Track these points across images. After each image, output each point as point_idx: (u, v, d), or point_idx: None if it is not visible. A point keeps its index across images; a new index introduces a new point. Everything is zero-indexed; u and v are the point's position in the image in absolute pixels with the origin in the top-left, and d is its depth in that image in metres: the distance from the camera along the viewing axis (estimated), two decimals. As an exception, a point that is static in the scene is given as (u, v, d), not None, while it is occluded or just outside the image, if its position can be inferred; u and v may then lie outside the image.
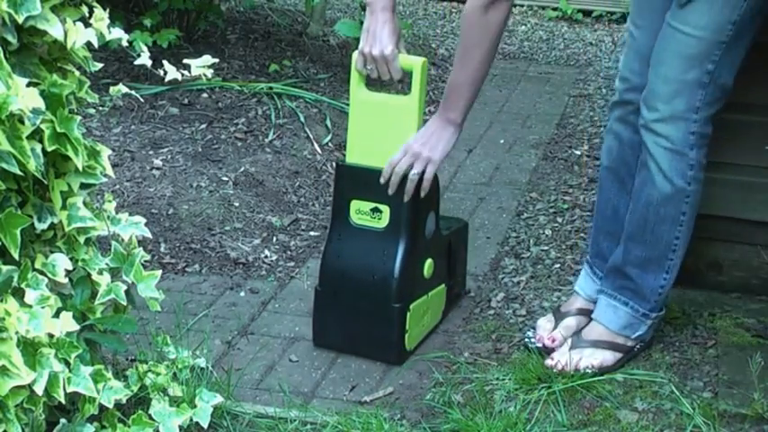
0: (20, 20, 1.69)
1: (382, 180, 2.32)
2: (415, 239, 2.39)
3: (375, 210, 2.38)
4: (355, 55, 2.39)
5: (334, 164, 3.64)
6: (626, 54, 2.41)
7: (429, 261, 2.45)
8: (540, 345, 2.45)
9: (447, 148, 2.33)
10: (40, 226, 1.82)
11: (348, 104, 4.07)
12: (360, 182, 2.39)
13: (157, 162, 3.39)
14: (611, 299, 2.38)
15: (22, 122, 1.68)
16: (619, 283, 2.37)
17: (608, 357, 2.35)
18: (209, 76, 1.99)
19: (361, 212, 2.39)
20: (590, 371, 2.31)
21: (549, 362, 2.34)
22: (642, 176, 2.28)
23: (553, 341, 2.44)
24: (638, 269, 2.33)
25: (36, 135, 1.71)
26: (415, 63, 2.35)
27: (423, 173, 2.31)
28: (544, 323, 2.51)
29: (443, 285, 2.56)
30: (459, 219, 2.83)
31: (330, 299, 2.45)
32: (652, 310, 2.36)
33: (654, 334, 2.44)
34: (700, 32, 2.13)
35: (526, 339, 2.49)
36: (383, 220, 2.37)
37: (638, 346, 2.41)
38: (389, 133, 2.36)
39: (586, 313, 2.50)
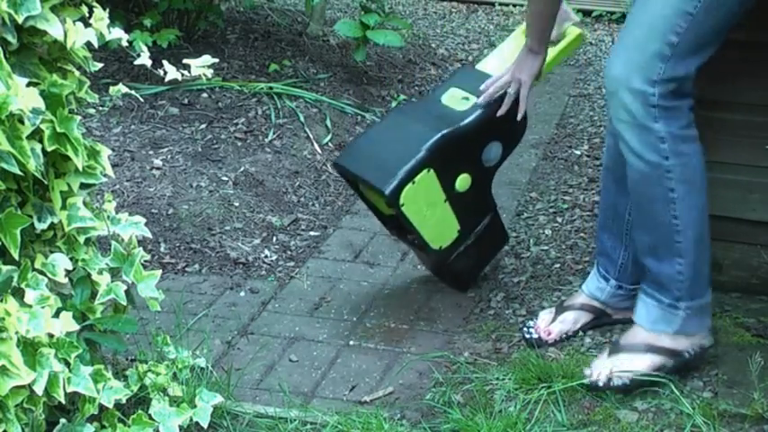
0: (20, 20, 1.69)
1: (483, 86, 2.56)
2: (474, 135, 2.57)
3: (465, 98, 2.61)
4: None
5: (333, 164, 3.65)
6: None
7: (466, 177, 2.60)
8: (535, 336, 2.47)
9: (531, 71, 2.52)
10: (40, 226, 1.83)
11: (348, 104, 4.08)
12: (473, 78, 2.65)
13: (157, 162, 3.39)
14: (644, 295, 2.30)
15: (22, 122, 1.68)
16: (646, 277, 2.30)
17: (642, 363, 2.26)
18: (209, 75, 1.99)
19: (453, 97, 2.62)
20: (619, 382, 2.24)
21: (586, 370, 2.28)
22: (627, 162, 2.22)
23: (549, 334, 2.46)
24: (651, 258, 2.26)
25: (36, 135, 1.71)
26: (571, 31, 2.70)
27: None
28: (544, 314, 2.53)
29: (458, 226, 2.65)
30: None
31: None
32: (678, 300, 2.24)
33: (708, 332, 2.31)
34: (663, 1, 2.07)
35: (525, 329, 2.51)
36: (465, 106, 2.59)
37: (689, 353, 2.28)
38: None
39: (588, 309, 2.50)
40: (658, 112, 2.11)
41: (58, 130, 1.74)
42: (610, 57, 2.19)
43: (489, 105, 2.56)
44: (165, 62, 1.99)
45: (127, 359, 2.22)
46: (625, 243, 2.45)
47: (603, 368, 2.26)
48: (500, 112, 2.54)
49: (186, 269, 2.89)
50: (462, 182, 2.59)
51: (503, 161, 2.67)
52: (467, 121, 2.54)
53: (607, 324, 2.55)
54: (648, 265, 2.27)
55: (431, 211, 2.57)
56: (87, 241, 1.89)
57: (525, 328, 2.51)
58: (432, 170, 2.51)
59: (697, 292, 2.25)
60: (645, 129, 2.12)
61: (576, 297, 2.56)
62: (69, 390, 1.76)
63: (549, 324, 2.49)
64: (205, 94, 3.88)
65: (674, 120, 2.12)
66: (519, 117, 2.56)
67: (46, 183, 1.81)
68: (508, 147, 2.66)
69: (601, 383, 2.24)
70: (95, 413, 1.86)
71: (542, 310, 2.59)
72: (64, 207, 1.83)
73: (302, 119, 3.82)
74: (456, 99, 2.61)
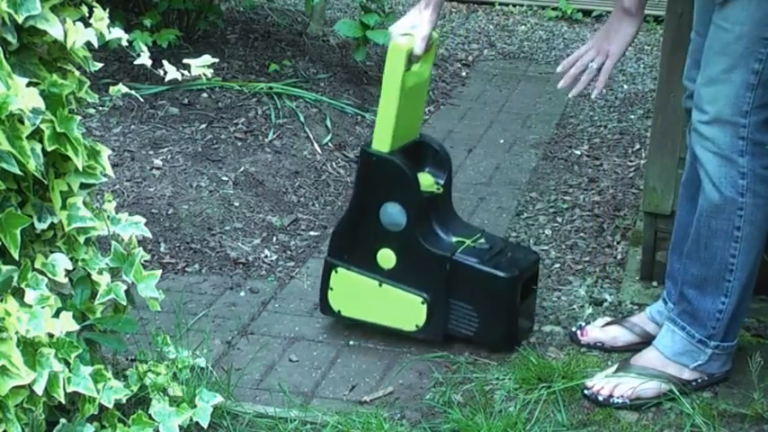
0: (20, 20, 1.69)
1: (560, 68, 2.26)
2: (359, 213, 2.46)
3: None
4: (402, 43, 2.32)
5: (333, 164, 3.65)
6: (687, 62, 2.32)
7: (386, 251, 2.42)
8: (575, 330, 2.49)
9: (624, 40, 2.21)
10: (40, 226, 1.83)
11: (348, 104, 4.08)
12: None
13: (157, 162, 3.39)
14: (672, 323, 2.25)
15: (22, 122, 1.68)
16: (681, 307, 2.24)
17: (649, 388, 2.22)
18: (209, 75, 1.99)
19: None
20: (620, 401, 2.21)
21: (587, 382, 2.26)
22: (701, 187, 2.18)
23: (583, 335, 2.47)
24: (694, 290, 2.20)
25: (36, 135, 1.71)
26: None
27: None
28: (599, 320, 2.52)
29: (419, 297, 2.41)
30: (529, 269, 2.50)
31: None
32: (710, 338, 2.20)
33: (726, 374, 2.28)
34: (739, 28, 2.03)
35: (578, 322, 2.52)
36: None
37: (697, 381, 2.26)
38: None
39: (637, 331, 2.44)
40: (746, 146, 2.09)
41: (58, 130, 1.74)
42: (697, 89, 2.14)
43: (357, 184, 2.46)
44: (165, 62, 1.99)
45: (127, 359, 2.22)
46: None
47: (607, 384, 2.24)
48: (574, 93, 2.24)
49: (186, 269, 2.89)
50: (384, 258, 2.43)
51: (413, 219, 2.39)
52: (342, 216, 2.52)
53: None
54: (689, 296, 2.22)
55: (374, 301, 2.45)
56: (87, 241, 1.89)
57: (577, 323, 2.52)
58: (337, 269, 2.47)
59: (730, 335, 2.23)
60: (729, 161, 2.10)
61: (635, 315, 2.51)
62: (69, 390, 1.76)
63: (592, 326, 2.48)
64: (205, 94, 3.88)
65: (759, 157, 2.10)
66: (595, 95, 2.27)
67: (46, 183, 1.81)
68: (407, 203, 2.39)
69: (601, 398, 2.22)
70: (95, 413, 1.86)
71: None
72: (64, 207, 1.83)
73: (302, 119, 3.82)
74: None
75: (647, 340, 2.37)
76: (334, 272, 2.48)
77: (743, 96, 2.06)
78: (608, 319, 2.53)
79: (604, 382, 2.24)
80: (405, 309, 2.44)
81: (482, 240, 2.46)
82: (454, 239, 2.44)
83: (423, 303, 2.41)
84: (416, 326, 2.44)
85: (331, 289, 2.49)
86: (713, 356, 2.23)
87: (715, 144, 2.10)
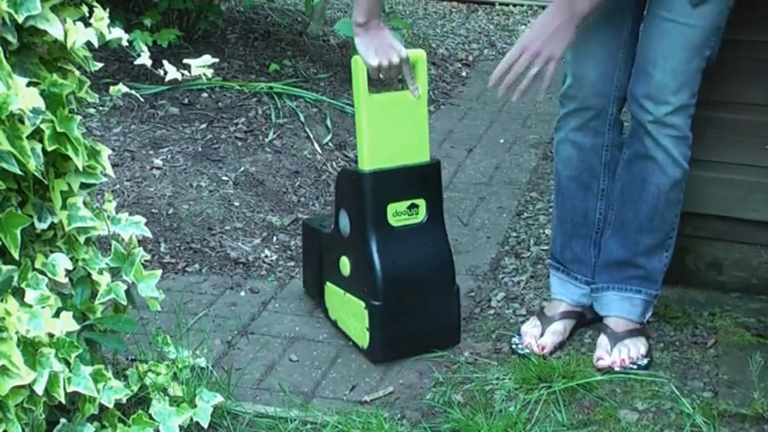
0: (20, 20, 1.69)
1: (491, 83, 2.18)
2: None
3: (412, 206, 2.40)
4: (358, 63, 2.35)
5: (333, 163, 3.64)
6: (579, 62, 2.36)
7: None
8: (528, 351, 2.43)
9: (565, 43, 2.13)
10: (40, 226, 1.83)
11: (348, 104, 4.08)
12: (394, 184, 2.38)
13: (157, 162, 3.39)
14: (622, 292, 2.43)
15: (22, 122, 1.68)
16: (627, 274, 2.42)
17: (644, 344, 2.41)
18: (209, 75, 1.99)
19: (398, 213, 2.39)
20: (644, 362, 2.37)
21: (601, 363, 2.35)
22: (647, 170, 2.31)
23: (543, 348, 2.43)
24: (644, 257, 2.40)
25: (36, 135, 1.71)
26: (420, 56, 2.41)
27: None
28: (530, 329, 2.49)
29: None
30: None
31: (392, 309, 2.39)
32: (658, 290, 2.44)
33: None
34: (702, 22, 2.19)
35: (513, 346, 2.47)
36: (420, 214, 2.40)
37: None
38: (404, 128, 2.39)
39: (572, 316, 2.50)
40: (691, 122, 2.29)
41: (59, 129, 1.74)
42: (658, 83, 2.23)
43: (443, 211, 2.44)
44: (165, 62, 1.99)
45: (127, 359, 2.23)
46: (594, 243, 2.50)
47: (619, 355, 2.37)
48: (516, 97, 2.16)
49: (186, 269, 2.89)
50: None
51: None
52: (446, 238, 2.46)
53: (583, 325, 2.54)
54: (642, 264, 2.41)
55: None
56: (87, 241, 1.89)
57: (515, 346, 2.46)
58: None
59: None
60: (686, 139, 2.30)
61: (557, 306, 2.53)
62: (69, 389, 1.76)
63: (539, 338, 2.46)
64: (205, 94, 3.88)
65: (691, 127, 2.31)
66: (544, 94, 2.22)
67: (46, 182, 1.81)
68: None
69: (628, 363, 2.36)
70: (95, 413, 1.86)
71: (524, 323, 2.54)
72: (64, 207, 1.83)
73: (302, 119, 3.82)
74: (403, 215, 2.41)
75: (580, 318, 2.54)
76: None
77: (696, 80, 2.25)
78: (534, 322, 2.51)
79: (616, 355, 2.36)
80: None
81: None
82: None
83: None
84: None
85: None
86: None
87: (676, 128, 2.27)
